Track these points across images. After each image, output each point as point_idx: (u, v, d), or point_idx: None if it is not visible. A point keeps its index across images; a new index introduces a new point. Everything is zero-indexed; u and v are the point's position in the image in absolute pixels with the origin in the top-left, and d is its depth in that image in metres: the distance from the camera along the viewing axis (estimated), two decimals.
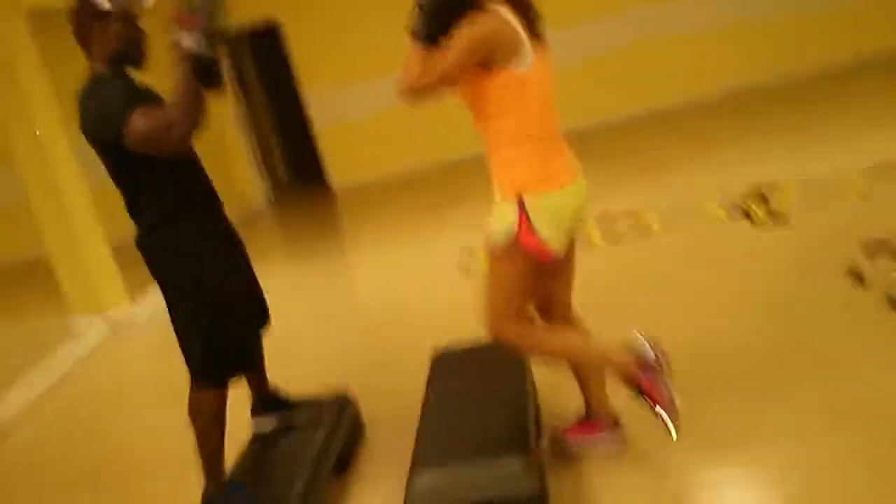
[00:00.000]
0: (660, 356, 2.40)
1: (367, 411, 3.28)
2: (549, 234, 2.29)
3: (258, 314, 2.81)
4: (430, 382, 2.98)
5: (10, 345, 5.57)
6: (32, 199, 5.24)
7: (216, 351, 2.57)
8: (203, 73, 2.24)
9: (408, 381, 3.32)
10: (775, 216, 4.45)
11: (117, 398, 4.59)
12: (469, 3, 2.19)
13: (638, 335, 2.44)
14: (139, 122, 2.25)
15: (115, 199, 2.53)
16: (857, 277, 3.43)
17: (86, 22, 2.41)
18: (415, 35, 2.18)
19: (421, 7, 2.20)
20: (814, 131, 6.06)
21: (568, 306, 2.64)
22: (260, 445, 3.01)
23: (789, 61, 8.06)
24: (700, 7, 8.02)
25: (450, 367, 3.07)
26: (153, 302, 5.61)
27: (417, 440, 2.59)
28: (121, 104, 2.29)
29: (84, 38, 2.43)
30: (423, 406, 2.80)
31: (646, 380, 2.36)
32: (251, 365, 2.75)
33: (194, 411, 2.59)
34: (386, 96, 8.12)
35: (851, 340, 3.04)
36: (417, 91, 2.15)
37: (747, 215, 4.55)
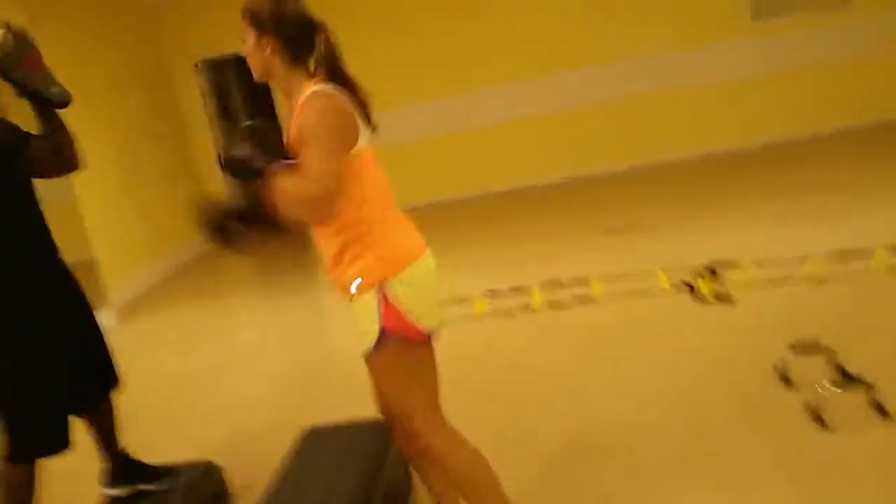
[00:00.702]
0: None
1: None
2: (420, 311, 2.08)
3: (87, 383, 2.60)
4: (286, 458, 2.76)
5: None
6: None
7: (18, 430, 2.37)
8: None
9: None
10: (720, 295, 4.18)
11: None
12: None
13: None
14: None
15: None
16: (784, 378, 3.15)
17: None
18: (263, 173, 1.92)
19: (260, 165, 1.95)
20: (792, 202, 5.80)
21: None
22: None
23: (778, 125, 7.86)
24: (688, 64, 7.85)
25: (313, 444, 2.85)
26: None
27: None
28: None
29: None
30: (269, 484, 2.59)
31: None
32: (63, 445, 2.46)
33: (1, 485, 2.36)
34: (420, 124, 8.22)
35: (763, 448, 2.76)
36: (321, 204, 1.88)
37: (692, 290, 4.29)
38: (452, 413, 2.28)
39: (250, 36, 2.04)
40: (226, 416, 3.94)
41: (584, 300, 4.54)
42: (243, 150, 1.93)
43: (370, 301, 2.05)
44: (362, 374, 2.25)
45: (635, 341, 3.88)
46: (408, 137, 8.09)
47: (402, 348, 2.09)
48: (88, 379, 2.59)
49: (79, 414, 2.61)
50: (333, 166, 1.90)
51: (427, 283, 2.13)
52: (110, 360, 2.68)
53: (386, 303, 2.04)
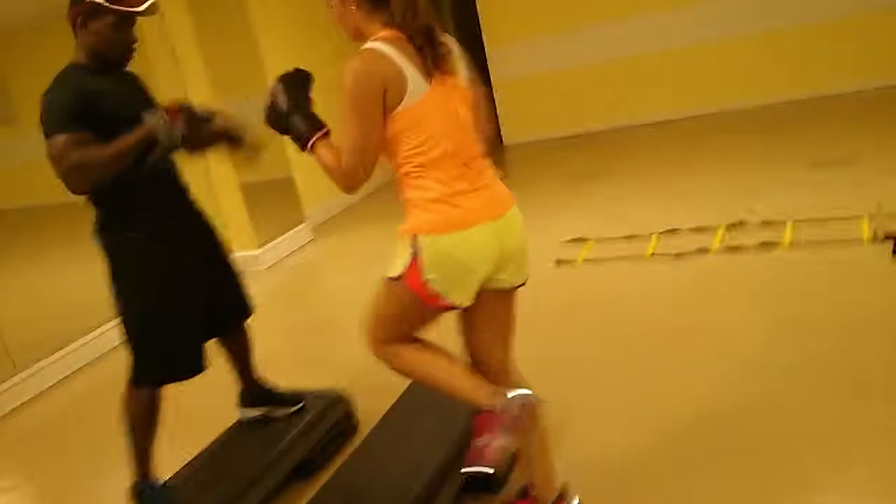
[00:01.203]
0: (522, 417, 2.04)
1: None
2: (445, 286, 2.00)
3: (220, 316, 2.74)
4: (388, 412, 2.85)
5: None
6: None
7: (145, 357, 2.54)
8: (150, 152, 2.30)
9: None
10: None
11: None
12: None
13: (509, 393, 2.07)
14: (52, 147, 2.25)
15: None
16: None
17: (77, 12, 2.40)
18: (303, 143, 2.03)
19: (288, 113, 2.05)
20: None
21: (502, 364, 2.26)
22: (229, 437, 3.00)
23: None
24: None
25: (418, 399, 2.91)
26: (277, 250, 5.98)
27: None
28: (55, 119, 2.28)
29: (73, 26, 2.43)
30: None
31: (496, 430, 2.03)
32: (187, 374, 2.59)
33: (125, 407, 2.58)
34: (564, 54, 7.92)
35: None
36: (352, 179, 1.95)
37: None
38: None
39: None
40: None
41: (769, 246, 4.09)
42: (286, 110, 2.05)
43: (404, 248, 2.00)
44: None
45: (813, 302, 3.44)
46: (587, 60, 7.78)
47: (411, 300, 2.04)
48: (221, 309, 2.73)
49: (213, 340, 2.78)
50: (361, 143, 1.91)
51: (464, 260, 2.00)
52: (242, 291, 2.81)
53: (414, 261, 1.98)
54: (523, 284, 2.20)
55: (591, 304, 3.93)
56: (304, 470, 2.90)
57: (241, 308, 2.84)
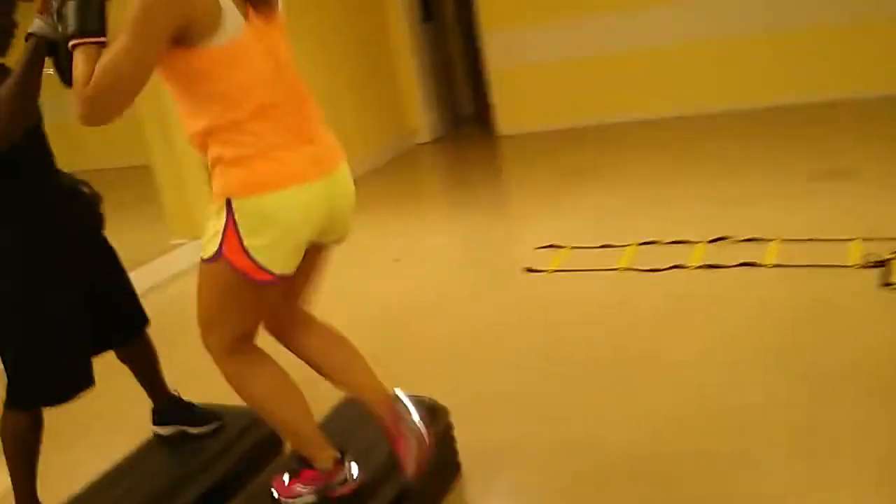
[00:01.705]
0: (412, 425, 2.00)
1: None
2: (270, 254, 1.78)
3: (111, 328, 2.47)
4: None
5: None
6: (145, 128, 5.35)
7: (20, 374, 2.27)
8: (52, 55, 1.94)
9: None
10: None
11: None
12: None
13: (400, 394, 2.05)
14: None
15: None
16: None
17: None
18: (74, 35, 1.64)
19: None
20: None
21: (300, 314, 2.13)
22: (139, 455, 2.75)
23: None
24: None
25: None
26: None
27: None
28: None
29: None
30: None
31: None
32: (68, 395, 2.33)
33: (2, 431, 2.33)
34: (564, 44, 7.58)
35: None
36: (95, 103, 1.57)
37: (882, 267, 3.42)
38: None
39: None
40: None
41: (751, 267, 3.79)
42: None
43: (218, 216, 1.76)
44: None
45: (789, 337, 3.14)
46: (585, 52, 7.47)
47: (232, 280, 1.81)
48: (111, 320, 2.46)
49: (103, 353, 2.50)
50: (124, 64, 1.56)
51: (288, 221, 1.77)
52: (135, 300, 2.55)
53: (231, 227, 1.74)
54: (341, 241, 2.05)
55: (548, 321, 3.65)
56: (218, 495, 2.65)
57: (136, 318, 2.57)
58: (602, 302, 3.75)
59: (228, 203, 1.74)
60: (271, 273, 1.79)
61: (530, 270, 4.21)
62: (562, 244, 4.51)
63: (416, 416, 2.01)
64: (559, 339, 3.45)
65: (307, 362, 2.14)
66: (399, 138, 8.01)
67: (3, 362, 2.28)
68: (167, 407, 2.74)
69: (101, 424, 3.34)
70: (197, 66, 1.66)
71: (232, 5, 1.66)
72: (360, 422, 2.32)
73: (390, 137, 7.87)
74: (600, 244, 4.39)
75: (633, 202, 5.20)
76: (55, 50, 1.91)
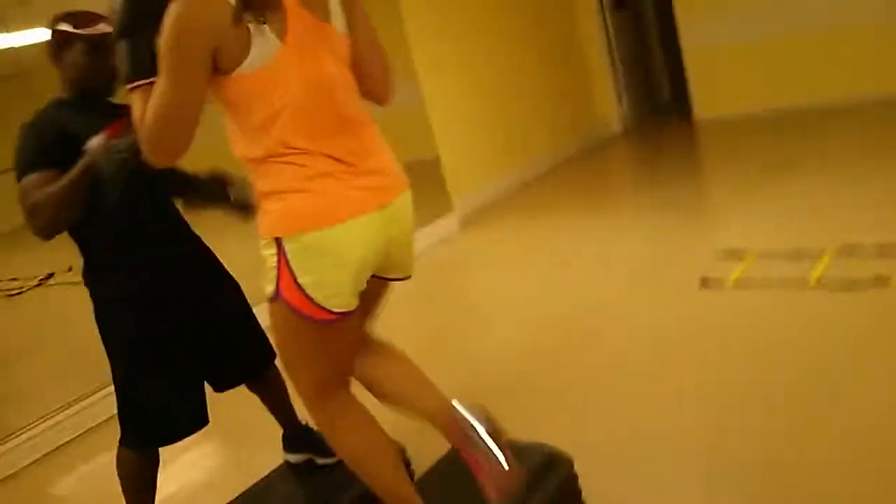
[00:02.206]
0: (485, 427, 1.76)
1: None
2: (324, 290, 1.63)
3: (231, 369, 2.47)
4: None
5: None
6: None
7: (129, 415, 2.32)
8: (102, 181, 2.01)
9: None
10: None
11: None
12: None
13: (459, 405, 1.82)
14: (19, 190, 2.08)
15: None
16: None
17: (50, 44, 2.22)
18: (128, 79, 1.60)
19: (119, 35, 1.61)
20: None
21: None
22: (269, 482, 2.74)
23: None
24: None
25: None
26: (417, 244, 5.58)
27: None
28: (22, 161, 2.11)
29: (51, 59, 2.24)
30: None
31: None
32: (175, 436, 2.36)
33: (117, 465, 2.38)
34: (767, 20, 6.80)
35: None
36: (154, 146, 1.54)
37: None
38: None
39: None
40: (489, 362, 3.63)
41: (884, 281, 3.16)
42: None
43: (270, 250, 1.64)
44: None
45: None
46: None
47: (296, 320, 1.68)
48: (229, 362, 2.46)
49: (224, 389, 2.51)
50: (168, 105, 1.50)
51: (342, 259, 1.63)
52: (258, 337, 2.52)
53: (283, 264, 1.62)
54: (407, 278, 1.92)
55: (720, 351, 3.19)
56: None
57: (260, 354, 2.54)
58: (784, 328, 3.23)
59: (278, 241, 1.62)
60: (330, 312, 1.66)
61: (707, 282, 3.78)
62: (748, 248, 4.02)
63: (483, 434, 1.77)
64: (728, 373, 3.00)
65: (364, 383, 1.98)
66: (589, 129, 7.67)
67: (117, 402, 2.34)
68: (297, 434, 2.72)
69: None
70: (232, 94, 1.55)
71: (263, 27, 1.51)
72: (462, 478, 2.12)
73: (580, 128, 7.55)
74: (792, 248, 3.85)
75: (841, 197, 4.55)
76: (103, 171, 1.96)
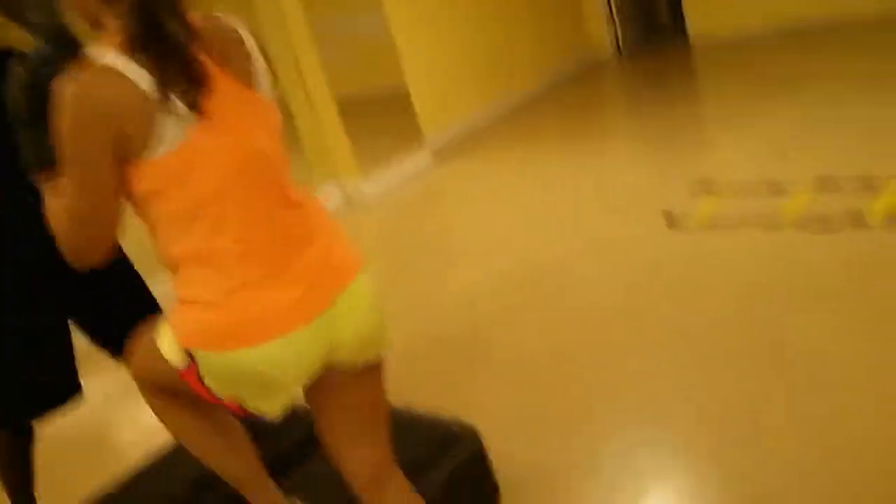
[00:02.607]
0: None
1: None
2: (242, 397, 1.36)
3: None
4: None
5: None
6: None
7: None
8: None
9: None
10: None
11: None
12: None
13: None
14: None
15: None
16: None
17: None
18: (35, 169, 1.32)
19: (18, 122, 1.32)
20: None
21: (378, 469, 1.55)
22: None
23: None
24: None
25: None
26: (384, 179, 5.31)
27: None
28: None
29: None
30: None
31: None
32: (42, 410, 2.07)
33: None
34: None
35: None
36: (69, 252, 1.28)
37: None
38: None
39: None
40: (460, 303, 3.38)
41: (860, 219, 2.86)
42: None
43: (176, 348, 1.34)
44: None
45: None
46: None
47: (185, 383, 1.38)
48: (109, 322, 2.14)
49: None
50: (79, 206, 1.23)
51: (264, 380, 1.33)
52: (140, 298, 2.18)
53: (191, 367, 1.33)
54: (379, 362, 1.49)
55: (678, 301, 2.91)
56: None
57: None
58: (750, 277, 2.93)
59: (187, 350, 1.32)
60: (244, 405, 1.37)
61: (672, 219, 3.47)
62: (719, 181, 3.69)
63: None
64: (689, 323, 2.74)
65: None
66: (578, 52, 7.22)
67: None
68: None
69: None
70: (141, 185, 1.22)
71: (171, 104, 1.18)
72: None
73: (567, 52, 7.12)
74: (766, 181, 3.51)
75: (821, 125, 4.17)
76: None
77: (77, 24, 1.33)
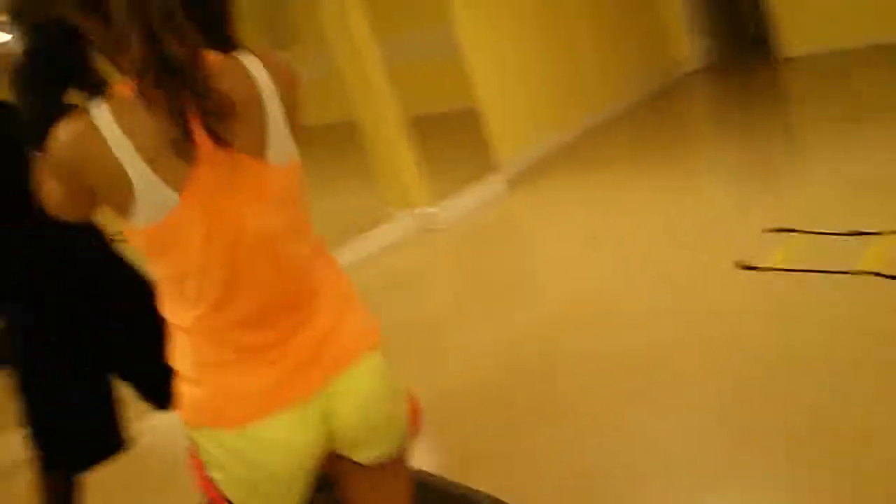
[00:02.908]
0: None
1: None
2: (237, 493, 1.29)
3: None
4: None
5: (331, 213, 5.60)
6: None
7: (41, 445, 2.13)
8: None
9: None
10: None
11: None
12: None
13: None
14: None
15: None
16: None
17: None
18: (30, 144, 1.33)
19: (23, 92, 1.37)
20: None
21: None
22: None
23: None
24: None
25: None
26: (456, 205, 5.25)
27: None
28: None
29: None
30: None
31: None
32: (92, 462, 2.15)
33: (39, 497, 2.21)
34: None
35: None
36: (61, 215, 1.30)
37: None
38: None
39: None
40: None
41: None
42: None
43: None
44: None
45: None
46: None
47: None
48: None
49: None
50: (56, 199, 1.26)
51: (257, 463, 1.26)
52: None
53: (192, 451, 1.30)
54: (396, 459, 1.42)
55: (750, 343, 2.77)
56: None
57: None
58: (827, 321, 2.76)
59: (186, 426, 1.31)
60: None
61: (744, 266, 3.30)
62: (795, 228, 3.49)
63: None
64: (751, 372, 2.59)
65: None
66: (660, 71, 7.02)
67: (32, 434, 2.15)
68: None
69: None
70: (132, 243, 1.22)
71: (160, 173, 1.14)
72: None
73: (649, 70, 6.93)
74: (847, 231, 3.30)
75: None
76: None
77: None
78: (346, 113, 5.24)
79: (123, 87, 1.16)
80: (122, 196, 1.14)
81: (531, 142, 5.89)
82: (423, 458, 2.41)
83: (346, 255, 4.79)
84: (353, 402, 1.31)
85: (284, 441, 1.26)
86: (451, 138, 5.60)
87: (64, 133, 1.15)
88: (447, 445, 2.64)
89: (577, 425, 2.59)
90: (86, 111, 1.14)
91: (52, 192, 1.25)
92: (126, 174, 1.13)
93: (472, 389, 3.00)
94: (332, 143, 5.58)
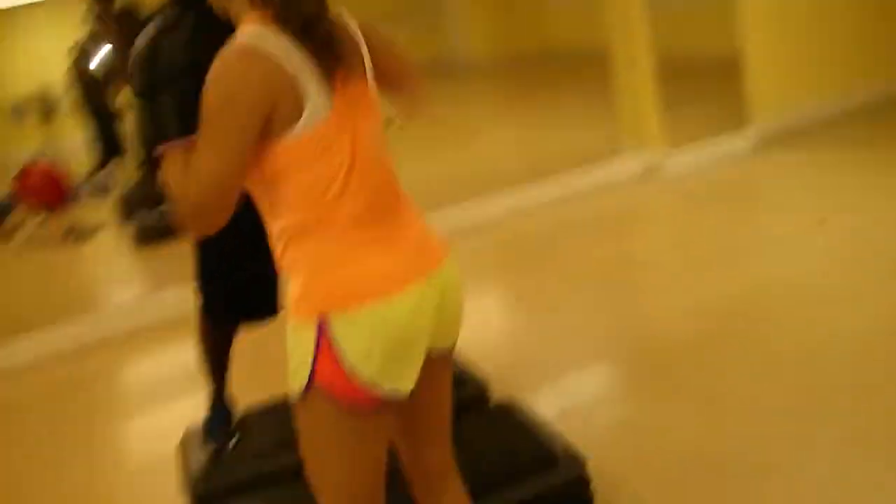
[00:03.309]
0: None
1: None
2: (375, 365, 1.37)
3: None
4: None
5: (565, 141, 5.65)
6: None
7: (206, 295, 2.39)
8: None
9: None
10: None
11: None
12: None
13: None
14: None
15: None
16: None
17: None
18: (154, 143, 1.44)
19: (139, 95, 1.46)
20: None
21: (443, 466, 1.61)
22: None
23: None
24: None
25: None
26: (695, 158, 4.97)
27: None
28: None
29: None
30: None
31: None
32: (244, 318, 2.40)
33: (198, 334, 2.49)
34: None
35: None
36: (200, 219, 1.36)
37: None
38: None
39: None
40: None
41: None
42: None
43: (306, 333, 1.37)
44: None
45: None
46: None
47: (334, 414, 1.40)
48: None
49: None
50: (218, 174, 1.31)
51: (392, 334, 1.39)
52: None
53: (324, 345, 1.36)
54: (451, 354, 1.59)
55: None
56: None
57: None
58: None
59: (320, 319, 1.38)
60: (384, 390, 1.40)
61: None
62: None
63: None
64: None
65: None
66: None
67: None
68: None
69: None
70: (274, 163, 1.35)
71: (316, 84, 1.31)
72: None
73: None
74: None
75: None
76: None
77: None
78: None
79: (257, 16, 1.32)
80: (293, 107, 1.30)
81: (790, 105, 5.32)
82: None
83: (568, 185, 4.78)
84: (450, 293, 1.48)
85: (417, 306, 1.41)
86: (704, 86, 5.28)
87: (239, 56, 1.29)
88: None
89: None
90: (244, 42, 1.29)
91: (208, 169, 1.30)
92: (298, 84, 1.29)
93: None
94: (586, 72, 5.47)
